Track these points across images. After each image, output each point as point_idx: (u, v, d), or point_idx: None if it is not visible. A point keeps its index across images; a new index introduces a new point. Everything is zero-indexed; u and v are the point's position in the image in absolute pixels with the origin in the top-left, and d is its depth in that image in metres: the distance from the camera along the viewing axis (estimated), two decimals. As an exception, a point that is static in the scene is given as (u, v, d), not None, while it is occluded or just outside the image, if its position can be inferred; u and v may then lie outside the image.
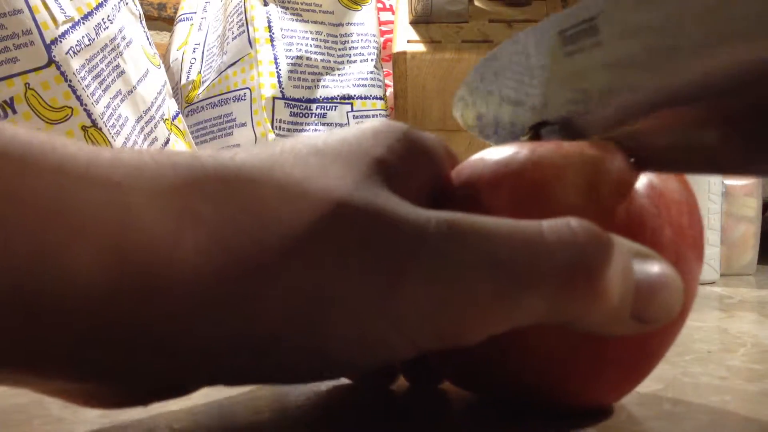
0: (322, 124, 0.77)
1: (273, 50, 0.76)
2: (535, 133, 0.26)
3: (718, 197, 0.62)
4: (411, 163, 0.22)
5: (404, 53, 0.77)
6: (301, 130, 0.76)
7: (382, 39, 0.84)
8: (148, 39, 0.66)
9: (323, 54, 0.78)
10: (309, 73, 0.77)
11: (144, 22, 0.66)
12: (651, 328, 0.21)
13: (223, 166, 0.19)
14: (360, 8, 0.81)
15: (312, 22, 0.79)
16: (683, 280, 0.21)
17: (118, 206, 0.17)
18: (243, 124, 0.75)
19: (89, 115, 0.54)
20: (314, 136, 0.22)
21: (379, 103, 0.79)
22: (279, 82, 0.75)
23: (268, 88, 0.75)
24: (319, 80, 0.77)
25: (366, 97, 0.78)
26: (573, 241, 0.19)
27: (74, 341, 0.17)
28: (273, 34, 0.76)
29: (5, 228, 0.16)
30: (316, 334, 0.19)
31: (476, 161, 0.23)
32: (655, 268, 0.20)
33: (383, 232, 0.19)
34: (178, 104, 0.76)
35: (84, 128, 0.54)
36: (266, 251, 0.18)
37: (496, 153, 0.23)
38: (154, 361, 0.19)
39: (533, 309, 0.19)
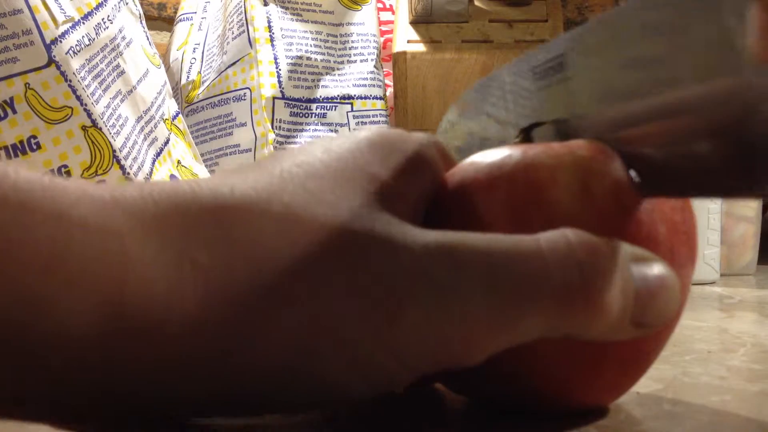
0: (322, 124, 0.77)
1: (273, 50, 0.76)
2: (527, 135, 0.26)
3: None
4: (407, 176, 0.22)
5: (404, 53, 0.77)
6: (301, 130, 0.76)
7: (382, 39, 0.84)
8: (148, 39, 0.66)
9: (323, 54, 0.78)
10: (309, 73, 0.77)
11: (144, 22, 0.66)
12: (651, 331, 0.21)
13: (222, 204, 0.19)
14: (360, 8, 0.81)
15: (312, 22, 0.79)
16: (678, 277, 0.21)
17: (116, 255, 0.17)
18: (243, 124, 0.75)
19: (89, 115, 0.54)
20: (311, 151, 0.21)
21: (379, 103, 0.79)
22: (279, 82, 0.75)
23: (268, 88, 0.75)
24: (319, 80, 0.77)
25: (366, 97, 0.78)
26: (571, 257, 0.19)
27: (62, 387, 0.17)
28: (273, 34, 0.76)
29: (2, 281, 0.16)
30: (315, 367, 0.19)
31: (469, 165, 0.23)
32: (653, 270, 0.20)
33: (381, 261, 0.19)
34: (178, 104, 0.76)
35: (84, 128, 0.54)
36: (266, 294, 0.18)
37: (488, 156, 0.23)
38: (148, 403, 0.18)
39: (533, 328, 0.19)
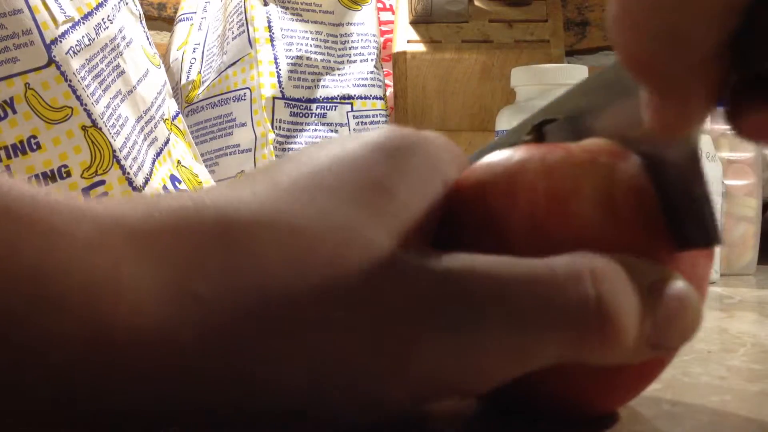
0: (322, 124, 0.77)
1: (273, 50, 0.76)
2: (539, 132, 0.25)
3: (718, 197, 0.62)
4: (419, 185, 0.21)
5: (404, 53, 0.77)
6: (301, 130, 0.76)
7: (382, 39, 0.84)
8: (148, 39, 0.66)
9: (323, 54, 0.78)
10: (309, 73, 0.77)
11: (144, 22, 0.66)
12: (669, 352, 0.20)
13: (228, 224, 0.18)
14: (360, 8, 0.81)
15: (312, 22, 0.79)
16: (697, 287, 0.20)
17: (108, 281, 0.17)
18: (243, 124, 0.75)
19: (89, 115, 0.54)
20: (319, 158, 0.20)
21: (379, 103, 0.79)
22: (279, 82, 0.75)
23: (268, 88, 0.75)
24: (319, 80, 0.77)
25: (366, 97, 0.78)
26: (586, 286, 0.19)
27: (51, 397, 0.17)
28: (273, 34, 0.76)
29: None
30: (316, 399, 0.18)
31: (485, 167, 0.22)
32: (673, 290, 0.20)
33: (395, 290, 0.18)
34: (178, 104, 0.76)
35: (84, 128, 0.54)
36: (272, 327, 0.18)
37: (504, 159, 0.22)
38: (147, 415, 0.18)
39: (546, 357, 0.19)
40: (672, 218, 0.21)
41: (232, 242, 0.18)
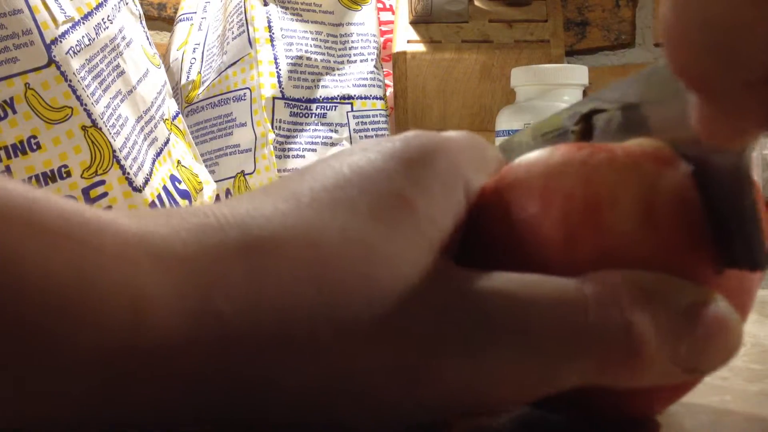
0: (322, 124, 0.77)
1: (273, 50, 0.76)
2: (587, 122, 0.24)
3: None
4: (443, 194, 0.20)
5: (404, 53, 0.77)
6: (301, 130, 0.76)
7: (382, 39, 0.84)
8: (148, 39, 0.66)
9: (323, 54, 0.78)
10: (309, 73, 0.77)
11: (144, 22, 0.66)
12: (706, 375, 0.20)
13: (251, 244, 0.18)
14: (360, 8, 0.81)
15: (312, 22, 0.79)
16: (742, 304, 0.20)
17: (135, 297, 0.17)
18: (243, 124, 0.75)
19: (89, 115, 0.54)
20: (339, 169, 0.20)
21: (379, 103, 0.79)
22: (279, 82, 0.75)
23: (268, 88, 0.75)
24: (319, 80, 0.77)
25: (366, 97, 0.78)
26: (617, 312, 0.18)
27: (59, 416, 0.17)
28: (273, 34, 0.76)
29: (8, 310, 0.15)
30: (326, 407, 0.18)
31: (523, 169, 0.21)
32: (713, 311, 0.19)
33: (415, 309, 0.18)
34: (178, 104, 0.76)
35: (84, 128, 0.54)
36: (289, 345, 0.18)
37: (541, 161, 0.21)
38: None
39: (568, 383, 0.19)
40: (718, 234, 0.19)
41: (255, 261, 0.18)
